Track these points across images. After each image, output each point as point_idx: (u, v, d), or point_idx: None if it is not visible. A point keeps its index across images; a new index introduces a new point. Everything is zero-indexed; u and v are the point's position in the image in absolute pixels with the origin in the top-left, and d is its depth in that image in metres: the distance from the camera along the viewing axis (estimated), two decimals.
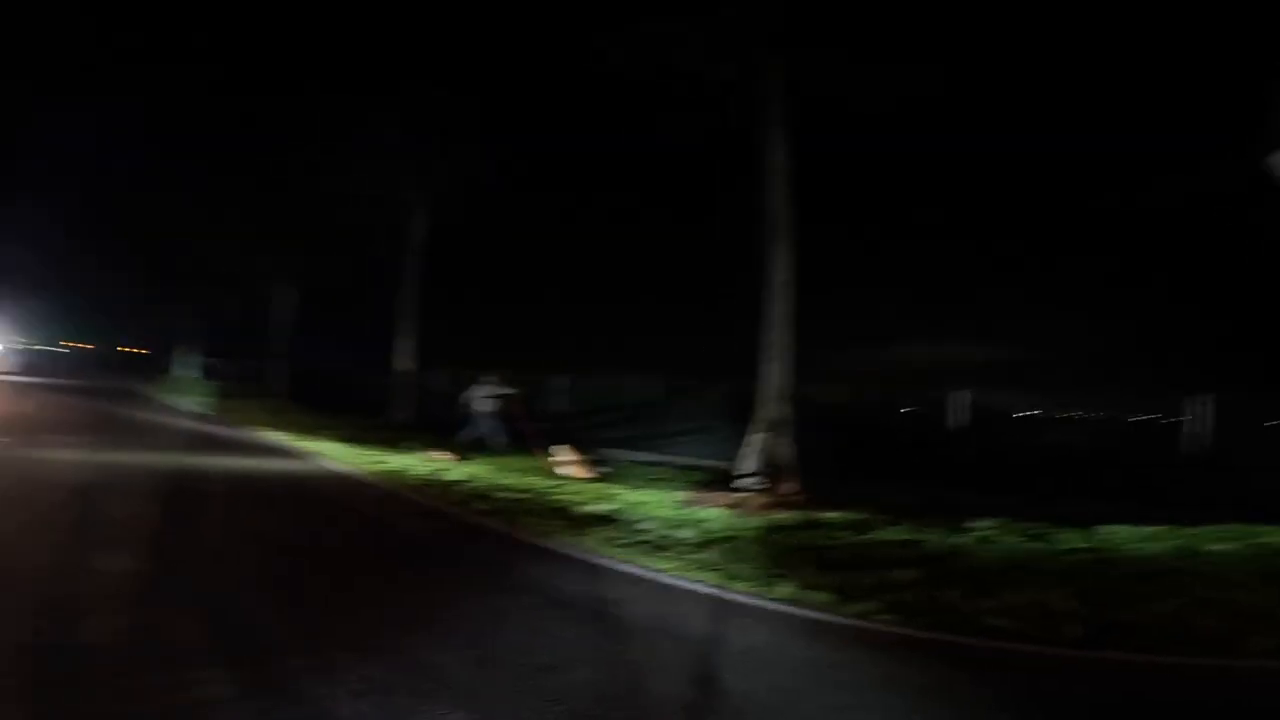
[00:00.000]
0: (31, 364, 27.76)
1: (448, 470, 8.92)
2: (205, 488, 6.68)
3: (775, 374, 7.88)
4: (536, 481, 8.51)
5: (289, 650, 2.82)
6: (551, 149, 15.50)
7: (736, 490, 7.78)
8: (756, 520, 6.49)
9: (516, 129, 14.30)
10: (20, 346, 28.94)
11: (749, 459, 7.89)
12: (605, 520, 6.36)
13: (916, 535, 6.02)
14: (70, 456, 7.39)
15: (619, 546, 5.27)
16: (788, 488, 7.63)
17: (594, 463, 9.75)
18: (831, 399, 15.01)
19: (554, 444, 10.48)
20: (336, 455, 9.86)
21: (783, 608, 3.95)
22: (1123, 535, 5.89)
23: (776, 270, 8.01)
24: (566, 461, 9.51)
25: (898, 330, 17.61)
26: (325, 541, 5.06)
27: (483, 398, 11.27)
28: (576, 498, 7.40)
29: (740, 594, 4.18)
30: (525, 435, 10.87)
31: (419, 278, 15.60)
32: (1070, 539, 5.84)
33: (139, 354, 46.63)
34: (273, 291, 22.45)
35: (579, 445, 10.08)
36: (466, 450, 10.50)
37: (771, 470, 7.69)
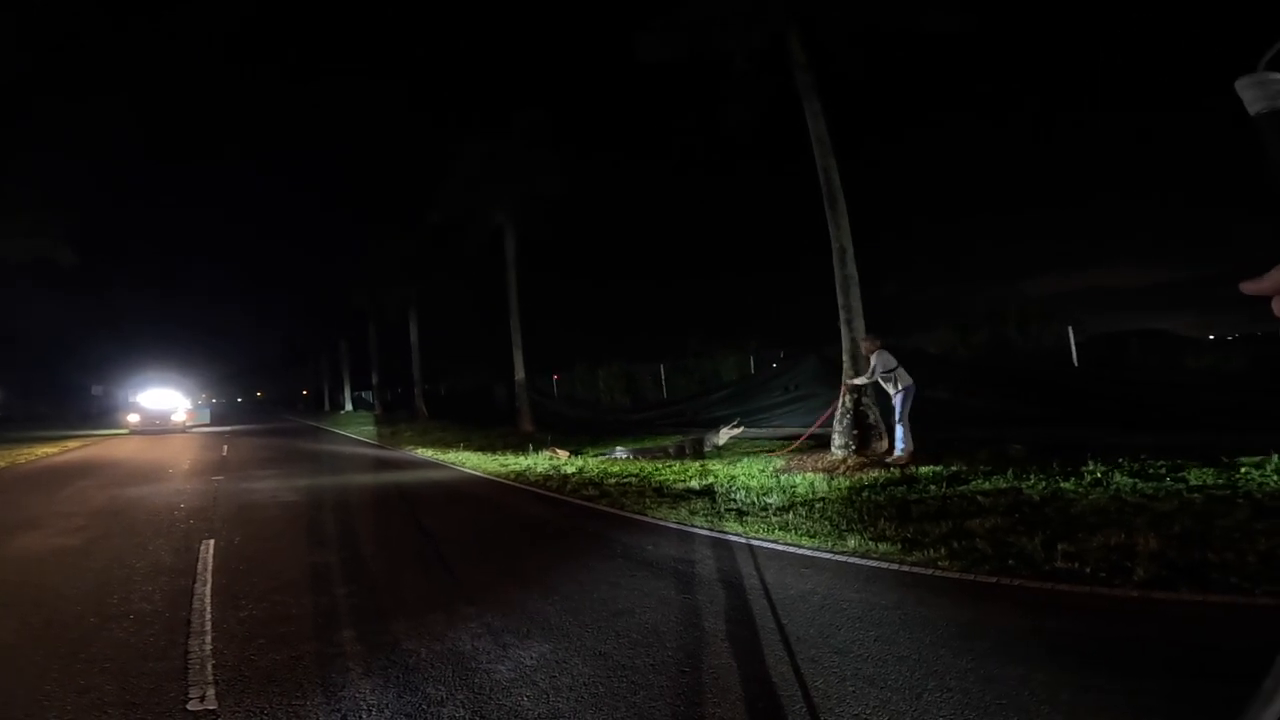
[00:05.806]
0: (217, 415, 33.33)
1: (564, 465, 9.93)
2: (376, 498, 8.12)
3: (848, 337, 7.95)
4: (645, 466, 9.23)
5: (434, 606, 3.66)
6: (612, 150, 16.43)
7: (830, 454, 7.98)
8: (845, 481, 6.71)
9: (577, 140, 15.36)
10: (204, 402, 34.72)
11: (839, 423, 8.03)
12: (700, 494, 6.90)
13: (1016, 483, 5.95)
14: (270, 485, 9.20)
15: (705, 516, 5.79)
16: (878, 446, 7.69)
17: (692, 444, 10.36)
18: (949, 347, 14.41)
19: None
20: (474, 463, 11.24)
21: (846, 559, 4.25)
22: (1271, 468, 5.41)
23: (835, 236, 8.08)
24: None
25: (1031, 261, 16.25)
26: (467, 529, 6.03)
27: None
28: (677, 477, 8.00)
29: (808, 549, 4.53)
30: None
31: (518, 292, 17.02)
32: (1202, 476, 5.47)
33: (303, 395, 54.66)
34: (408, 322, 25.41)
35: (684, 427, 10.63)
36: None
37: (860, 431, 7.79)
